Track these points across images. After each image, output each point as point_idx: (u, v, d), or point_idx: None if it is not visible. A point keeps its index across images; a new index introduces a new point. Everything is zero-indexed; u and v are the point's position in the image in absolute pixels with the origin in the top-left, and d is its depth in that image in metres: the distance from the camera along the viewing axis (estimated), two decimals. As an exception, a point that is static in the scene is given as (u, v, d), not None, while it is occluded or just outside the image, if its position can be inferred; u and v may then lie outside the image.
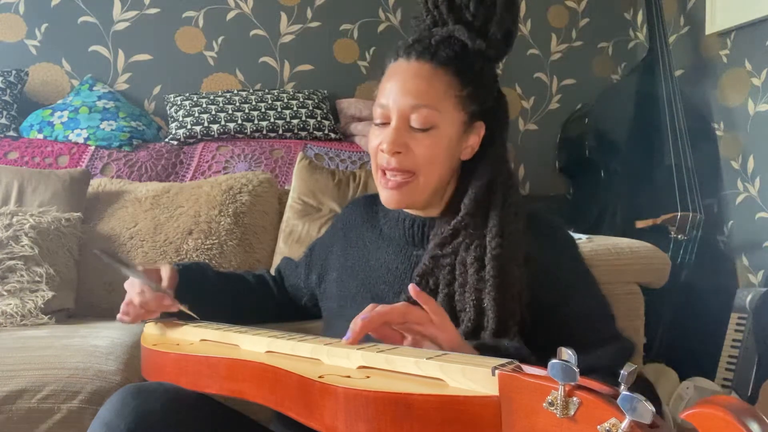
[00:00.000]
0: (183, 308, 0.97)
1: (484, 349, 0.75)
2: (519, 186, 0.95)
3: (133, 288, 0.97)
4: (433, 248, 0.88)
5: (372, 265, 0.97)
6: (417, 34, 0.92)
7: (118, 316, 0.98)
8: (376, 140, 0.90)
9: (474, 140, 0.91)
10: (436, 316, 0.72)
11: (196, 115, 2.18)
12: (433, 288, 0.87)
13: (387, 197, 0.91)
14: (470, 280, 0.84)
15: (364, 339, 0.71)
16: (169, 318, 1.02)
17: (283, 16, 2.47)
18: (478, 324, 0.83)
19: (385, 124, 0.89)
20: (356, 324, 0.69)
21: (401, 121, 0.87)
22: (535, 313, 0.86)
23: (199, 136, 2.16)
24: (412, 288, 0.73)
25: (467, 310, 0.83)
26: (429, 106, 0.86)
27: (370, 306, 0.73)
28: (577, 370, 0.44)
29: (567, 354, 0.46)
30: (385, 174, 0.90)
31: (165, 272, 0.99)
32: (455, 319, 0.84)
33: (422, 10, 0.93)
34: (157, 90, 2.38)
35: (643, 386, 0.80)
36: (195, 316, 0.98)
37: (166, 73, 2.38)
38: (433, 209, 0.94)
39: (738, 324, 1.93)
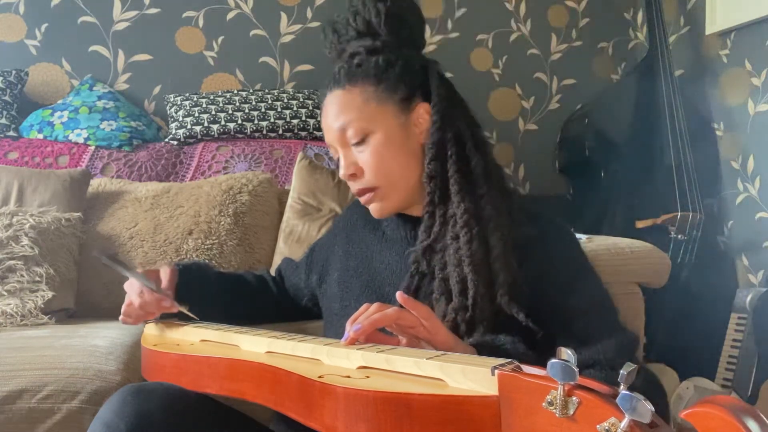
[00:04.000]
0: (182, 309, 0.97)
1: (480, 347, 0.76)
2: (482, 144, 0.93)
3: (133, 289, 0.97)
4: (421, 237, 0.90)
5: (376, 267, 0.98)
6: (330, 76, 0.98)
7: (120, 318, 0.99)
8: (340, 174, 0.96)
9: (424, 120, 0.92)
10: (426, 320, 0.73)
11: (196, 115, 2.18)
12: (429, 274, 0.88)
13: (372, 211, 0.96)
14: (452, 259, 0.85)
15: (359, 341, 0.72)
16: (170, 319, 1.02)
17: (283, 16, 2.47)
18: (465, 296, 0.83)
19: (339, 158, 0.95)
20: (350, 330, 0.71)
21: (342, 145, 0.93)
22: (537, 306, 0.85)
23: (199, 136, 2.16)
24: (399, 295, 0.74)
25: (455, 284, 0.84)
26: (353, 119, 0.91)
27: (364, 306, 0.74)
28: (576, 369, 0.44)
29: (566, 354, 0.46)
30: (360, 197, 0.95)
31: (164, 274, 0.99)
32: (451, 301, 0.85)
33: (327, 55, 1.01)
34: (157, 90, 2.38)
35: (648, 382, 0.80)
36: (194, 317, 0.98)
37: (166, 73, 2.38)
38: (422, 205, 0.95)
39: (738, 324, 1.93)
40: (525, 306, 0.83)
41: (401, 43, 0.95)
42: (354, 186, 0.94)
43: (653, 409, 0.41)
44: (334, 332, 0.94)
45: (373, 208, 0.95)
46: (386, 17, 0.93)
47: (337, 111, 0.93)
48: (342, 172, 0.94)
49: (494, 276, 0.83)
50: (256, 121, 2.19)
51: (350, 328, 0.71)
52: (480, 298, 0.82)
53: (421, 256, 0.89)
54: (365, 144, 0.91)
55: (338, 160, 0.96)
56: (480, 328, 0.82)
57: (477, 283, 0.82)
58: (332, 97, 0.94)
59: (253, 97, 2.25)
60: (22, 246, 1.50)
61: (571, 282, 0.88)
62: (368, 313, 0.72)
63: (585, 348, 0.81)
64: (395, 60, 0.94)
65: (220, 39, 2.42)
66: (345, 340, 0.71)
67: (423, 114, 0.93)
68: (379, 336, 0.74)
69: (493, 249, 0.84)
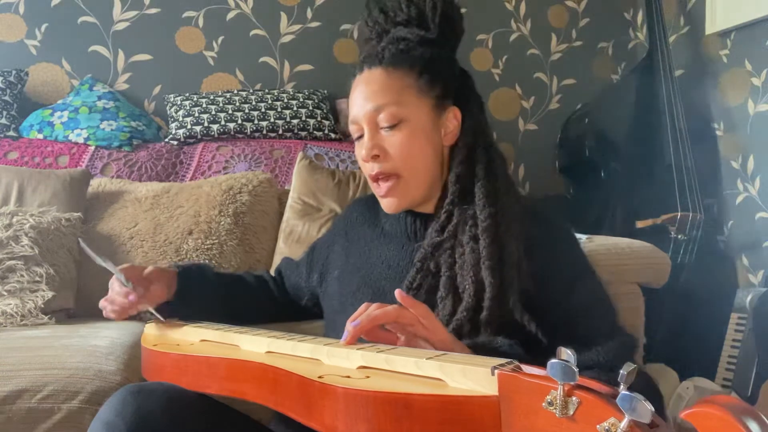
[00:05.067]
0: (149, 308, 0.98)
1: (476, 348, 0.76)
2: (503, 157, 0.97)
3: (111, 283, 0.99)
4: (432, 234, 0.90)
5: (373, 262, 0.98)
6: (367, 51, 0.97)
7: (104, 313, 1.01)
8: (359, 153, 0.94)
9: (452, 124, 0.93)
10: (425, 319, 0.73)
11: (196, 115, 2.18)
12: (435, 271, 0.88)
13: (385, 205, 0.95)
14: (468, 258, 0.85)
15: (359, 340, 0.72)
16: (171, 318, 1.02)
17: (283, 16, 2.47)
18: (479, 297, 0.83)
19: (361, 136, 0.93)
20: (349, 328, 0.71)
21: (371, 126, 0.91)
22: (536, 307, 0.85)
23: (199, 136, 2.16)
24: (398, 293, 0.74)
25: (467, 286, 0.84)
26: (390, 103, 0.90)
27: (364, 305, 0.74)
28: (576, 369, 0.44)
29: (566, 354, 0.46)
30: (376, 183, 0.93)
31: (147, 271, 0.99)
32: (459, 300, 0.85)
33: (366, 31, 0.99)
34: (157, 90, 2.38)
35: (645, 384, 0.80)
36: (160, 317, 0.99)
37: (166, 73, 2.38)
38: (432, 203, 0.95)
39: (738, 324, 1.93)
40: (534, 313, 0.84)
41: (446, 44, 0.96)
42: (373, 168, 0.92)
43: (653, 408, 0.41)
44: (335, 330, 0.94)
45: (388, 203, 0.93)
46: (441, 14, 0.94)
47: (375, 90, 0.91)
48: (365, 153, 0.91)
49: (507, 282, 0.84)
50: (256, 121, 2.19)
51: (349, 326, 0.71)
52: (493, 301, 0.82)
53: (430, 253, 0.89)
54: (396, 129, 0.90)
55: (358, 138, 0.94)
56: (487, 331, 0.82)
57: (494, 286, 0.82)
58: (371, 74, 0.92)
59: (253, 97, 2.25)
60: (22, 246, 1.50)
61: (572, 282, 0.88)
62: (368, 311, 0.73)
63: (584, 349, 0.81)
64: (440, 57, 0.94)
65: (220, 39, 2.42)
66: (344, 339, 0.71)
67: (452, 118, 0.94)
68: (378, 332, 0.75)
69: (510, 256, 0.85)
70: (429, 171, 0.92)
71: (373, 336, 0.73)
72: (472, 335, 0.82)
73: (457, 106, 0.94)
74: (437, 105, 0.92)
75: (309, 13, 2.48)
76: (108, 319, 1.44)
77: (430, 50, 0.93)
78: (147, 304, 0.98)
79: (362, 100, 0.92)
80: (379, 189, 0.93)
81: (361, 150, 0.93)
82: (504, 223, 0.87)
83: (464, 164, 0.91)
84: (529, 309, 0.84)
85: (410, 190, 0.92)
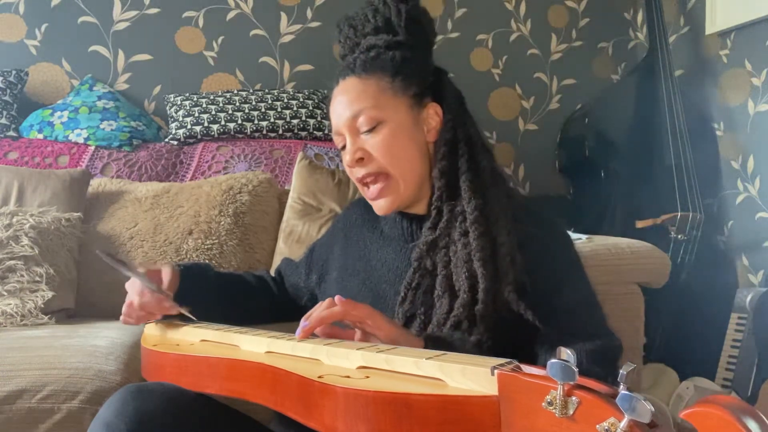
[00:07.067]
0: (183, 311, 0.97)
1: (429, 340, 0.78)
2: (489, 150, 0.97)
3: (134, 289, 0.97)
4: (425, 233, 0.91)
5: (373, 264, 0.98)
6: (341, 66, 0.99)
7: (122, 318, 0.98)
8: (345, 162, 0.95)
9: (434, 120, 0.95)
10: (369, 318, 0.77)
11: (196, 115, 2.18)
12: (431, 270, 0.89)
13: (377, 207, 0.95)
14: (461, 255, 0.86)
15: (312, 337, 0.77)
16: (170, 319, 1.02)
17: (283, 16, 2.47)
18: (474, 291, 0.84)
19: (345, 147, 0.95)
20: (301, 325, 0.76)
21: (351, 132, 0.93)
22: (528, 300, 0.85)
23: (199, 136, 2.16)
24: (338, 299, 0.78)
25: (462, 283, 0.84)
26: (367, 107, 0.91)
27: (318, 305, 0.79)
28: (576, 369, 0.44)
29: (566, 354, 0.46)
30: (366, 187, 0.94)
31: (166, 274, 0.99)
32: (455, 297, 0.85)
33: (340, 49, 1.01)
34: (157, 90, 2.38)
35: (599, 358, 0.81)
36: (195, 319, 0.98)
37: (166, 73, 2.38)
38: (423, 202, 0.96)
39: (738, 324, 1.93)
40: (529, 304, 0.84)
41: (416, 44, 0.97)
42: (360, 171, 0.93)
43: (653, 409, 0.41)
44: (333, 332, 0.95)
45: (379, 205, 0.94)
46: (406, 18, 0.96)
47: (352, 98, 0.93)
48: (348, 158, 0.93)
49: (501, 273, 0.84)
50: (256, 121, 2.19)
51: (302, 324, 0.75)
52: (487, 293, 0.82)
53: (425, 252, 0.89)
54: (375, 132, 0.91)
55: (342, 148, 0.95)
56: (482, 325, 0.82)
57: (487, 278, 0.83)
58: (346, 83, 0.95)
59: (253, 97, 2.25)
60: (22, 246, 1.50)
61: (558, 284, 0.88)
62: (318, 312, 0.77)
63: (554, 351, 0.81)
64: (411, 57, 0.96)
65: (220, 39, 2.42)
66: (297, 335, 0.75)
67: (433, 114, 0.95)
68: (333, 330, 0.78)
69: (502, 247, 0.85)
70: (416, 168, 0.93)
71: (328, 334, 0.78)
72: (471, 330, 0.82)
73: (436, 101, 0.96)
74: (415, 103, 0.94)
75: (309, 13, 2.48)
76: (107, 319, 1.46)
77: (400, 52, 0.95)
78: (181, 309, 0.97)
79: (341, 109, 0.94)
80: (369, 192, 0.94)
81: (346, 157, 0.94)
82: (493, 215, 0.87)
83: (446, 159, 0.92)
84: (527, 302, 0.84)
85: (400, 189, 0.93)
